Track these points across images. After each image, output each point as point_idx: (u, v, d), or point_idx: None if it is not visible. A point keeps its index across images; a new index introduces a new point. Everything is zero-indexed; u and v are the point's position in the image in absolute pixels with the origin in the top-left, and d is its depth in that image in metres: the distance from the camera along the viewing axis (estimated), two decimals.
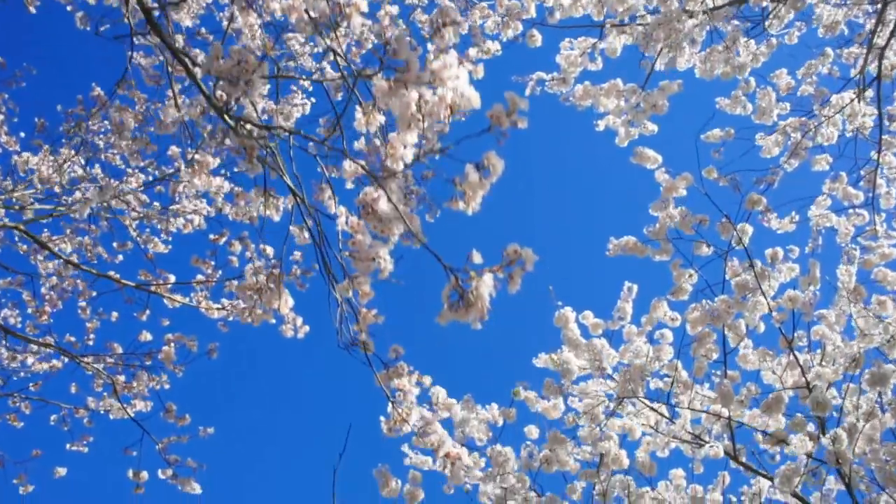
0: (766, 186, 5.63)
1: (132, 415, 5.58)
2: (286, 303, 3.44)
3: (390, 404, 3.55)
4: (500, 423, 4.23)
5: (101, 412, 6.13)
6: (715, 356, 4.66)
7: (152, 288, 5.35)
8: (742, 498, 4.22)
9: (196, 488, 5.49)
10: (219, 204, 5.58)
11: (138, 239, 5.98)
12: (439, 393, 3.74)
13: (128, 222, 6.00)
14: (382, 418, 3.63)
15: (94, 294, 5.95)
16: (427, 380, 3.73)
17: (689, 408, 4.16)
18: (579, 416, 4.18)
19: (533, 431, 4.48)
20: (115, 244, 6.14)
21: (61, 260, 5.75)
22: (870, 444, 3.57)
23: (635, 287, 5.21)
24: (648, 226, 5.17)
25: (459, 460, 3.26)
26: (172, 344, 5.57)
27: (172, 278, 5.49)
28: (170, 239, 6.14)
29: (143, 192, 5.97)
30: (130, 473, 5.34)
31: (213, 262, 5.58)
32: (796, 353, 4.11)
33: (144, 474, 5.38)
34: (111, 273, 5.64)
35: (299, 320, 4.33)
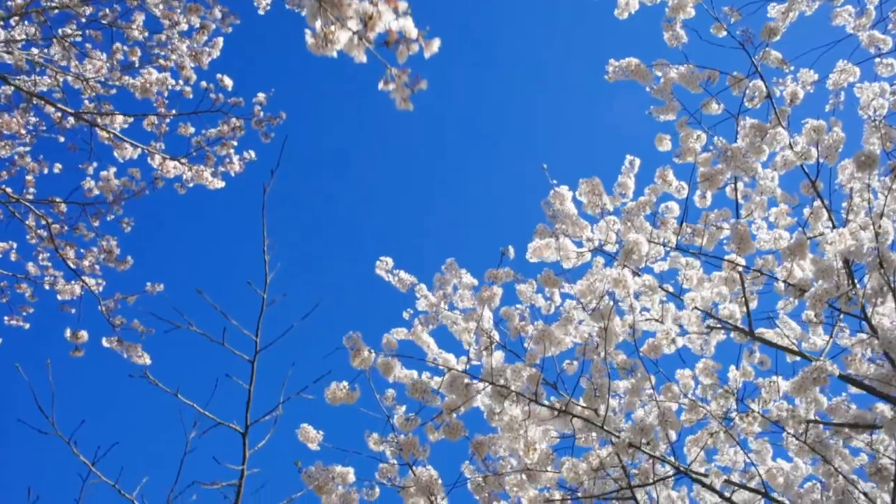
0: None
1: (71, 265, 5.02)
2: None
3: None
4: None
5: (46, 287, 5.54)
6: (726, 228, 4.22)
7: (98, 121, 4.63)
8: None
9: (144, 358, 5.05)
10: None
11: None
12: None
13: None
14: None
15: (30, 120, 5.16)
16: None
17: (701, 253, 3.72)
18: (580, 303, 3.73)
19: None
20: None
21: None
22: None
23: (637, 161, 4.71)
24: (652, 84, 4.64)
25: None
26: (116, 183, 4.92)
27: (120, 118, 4.77)
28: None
29: None
30: (68, 333, 4.86)
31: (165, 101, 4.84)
32: (822, 196, 3.66)
33: (83, 334, 4.91)
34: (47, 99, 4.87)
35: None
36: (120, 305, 5.14)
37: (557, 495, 4.07)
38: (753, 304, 4.17)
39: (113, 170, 5.04)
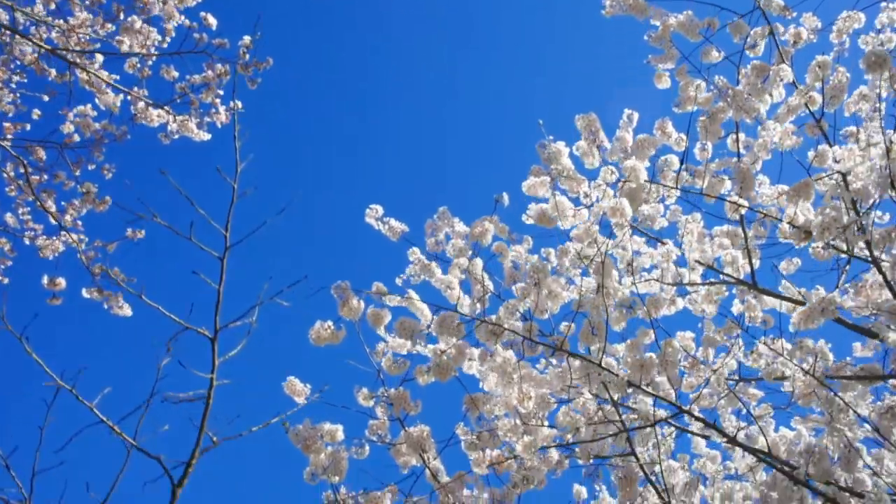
0: None
1: (53, 220, 4.82)
2: None
3: None
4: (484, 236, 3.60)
5: (27, 242, 5.33)
6: (727, 180, 4.06)
7: (77, 61, 4.42)
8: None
9: (125, 309, 4.87)
10: None
11: None
12: None
13: None
14: None
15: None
16: None
17: (702, 192, 3.57)
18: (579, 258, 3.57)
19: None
20: None
21: None
22: None
23: (636, 115, 4.54)
24: (650, 31, 4.49)
25: None
26: (96, 126, 4.71)
27: (100, 58, 4.56)
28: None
29: None
30: (45, 280, 4.68)
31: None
32: (827, 136, 3.50)
33: (61, 281, 4.73)
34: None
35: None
36: (100, 254, 4.97)
37: (555, 454, 3.92)
38: (756, 262, 4.02)
39: (90, 107, 4.82)
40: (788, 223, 3.46)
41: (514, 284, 3.55)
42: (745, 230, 3.96)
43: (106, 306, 4.92)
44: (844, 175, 3.46)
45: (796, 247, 3.51)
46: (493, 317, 3.34)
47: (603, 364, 3.25)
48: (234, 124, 4.07)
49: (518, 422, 3.39)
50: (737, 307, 4.29)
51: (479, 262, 3.69)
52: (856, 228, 2.97)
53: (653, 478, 3.71)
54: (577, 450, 3.78)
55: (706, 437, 4.43)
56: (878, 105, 3.37)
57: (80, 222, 4.93)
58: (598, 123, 3.68)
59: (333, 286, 3.66)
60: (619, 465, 3.89)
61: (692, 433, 4.40)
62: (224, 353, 4.28)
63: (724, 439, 3.75)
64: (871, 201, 3.01)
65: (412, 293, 4.18)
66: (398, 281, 4.29)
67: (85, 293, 4.92)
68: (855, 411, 3.19)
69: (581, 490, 4.61)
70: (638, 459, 3.73)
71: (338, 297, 3.67)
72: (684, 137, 4.35)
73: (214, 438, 4.09)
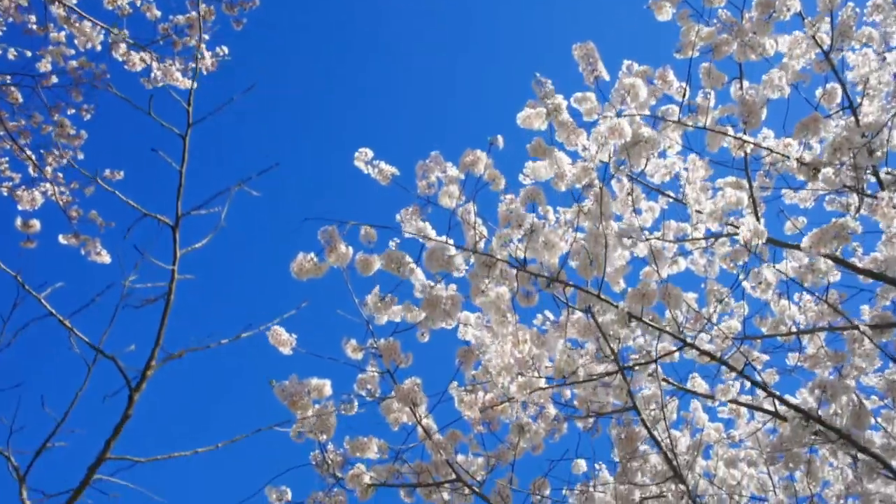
0: None
1: (32, 172, 4.64)
2: None
3: None
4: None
5: (3, 193, 5.12)
6: (730, 132, 3.89)
7: None
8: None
9: (103, 256, 4.69)
10: None
11: None
12: None
13: None
14: None
15: None
16: None
17: (706, 127, 3.41)
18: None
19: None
20: None
21: None
22: None
23: (636, 65, 4.39)
24: None
25: None
26: (74, 64, 4.53)
27: None
28: None
29: None
30: (18, 223, 4.50)
31: None
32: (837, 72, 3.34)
33: (35, 223, 4.55)
34: None
35: None
36: (77, 199, 4.78)
37: (552, 410, 3.76)
38: (762, 208, 3.86)
39: (64, 38, 4.63)
40: (797, 160, 3.30)
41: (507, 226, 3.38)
42: (751, 179, 3.80)
43: (83, 252, 4.74)
44: (854, 109, 3.32)
45: (802, 178, 3.34)
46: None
47: (602, 297, 3.08)
48: None
49: (512, 360, 3.22)
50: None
51: (472, 207, 3.53)
52: (868, 151, 2.82)
53: (654, 434, 3.55)
54: (575, 401, 3.62)
55: (710, 398, 4.28)
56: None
57: (60, 174, 4.75)
58: (596, 53, 3.52)
59: (321, 231, 3.50)
60: (620, 418, 3.74)
61: (694, 393, 4.24)
62: (188, 243, 4.03)
63: (732, 373, 3.56)
64: (883, 126, 2.86)
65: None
66: (392, 244, 4.13)
67: (62, 239, 4.74)
68: (871, 339, 3.03)
69: (581, 463, 4.45)
70: (640, 413, 3.57)
71: (324, 243, 3.51)
72: (686, 86, 4.20)
73: (181, 352, 3.91)
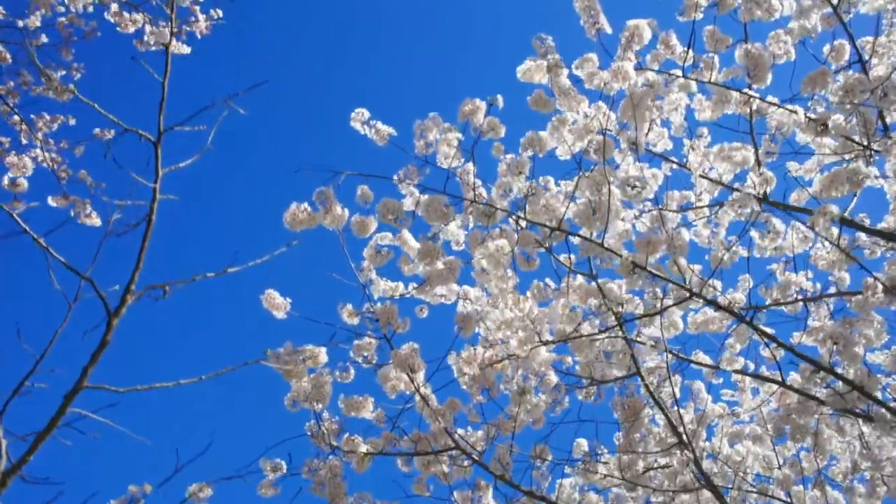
0: None
1: (24, 139, 4.50)
2: None
3: None
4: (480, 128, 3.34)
5: None
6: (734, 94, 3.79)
7: None
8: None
9: (93, 218, 4.50)
10: None
11: None
12: None
13: None
14: None
15: None
16: None
17: (710, 81, 3.31)
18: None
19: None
20: None
21: None
22: None
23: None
24: None
25: None
26: (63, 21, 4.41)
27: None
28: None
29: None
30: (6, 181, 4.38)
31: None
32: (846, 25, 3.25)
33: (23, 182, 4.41)
34: None
35: None
36: (67, 160, 4.66)
37: (553, 377, 3.66)
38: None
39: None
40: (805, 115, 3.21)
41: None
42: (756, 144, 3.71)
43: (73, 214, 4.64)
44: (864, 64, 3.24)
45: (809, 137, 3.24)
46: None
47: (605, 246, 2.98)
48: None
49: (511, 315, 3.13)
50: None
51: (471, 167, 3.44)
52: (882, 93, 2.73)
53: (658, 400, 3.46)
54: (577, 367, 3.53)
55: (716, 369, 4.19)
56: None
57: (51, 140, 4.63)
58: (598, 5, 3.43)
59: (316, 192, 3.41)
60: (623, 387, 3.64)
61: (698, 364, 4.15)
62: (171, 162, 3.92)
63: (737, 346, 3.45)
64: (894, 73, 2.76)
65: (405, 235, 3.93)
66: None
67: (51, 201, 4.63)
68: (883, 283, 2.93)
69: (582, 442, 4.35)
70: (643, 378, 3.48)
71: (320, 204, 3.42)
72: (689, 52, 4.11)
73: (165, 284, 3.79)
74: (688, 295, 3.05)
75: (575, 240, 3.07)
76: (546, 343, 3.22)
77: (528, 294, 3.26)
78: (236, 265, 4.15)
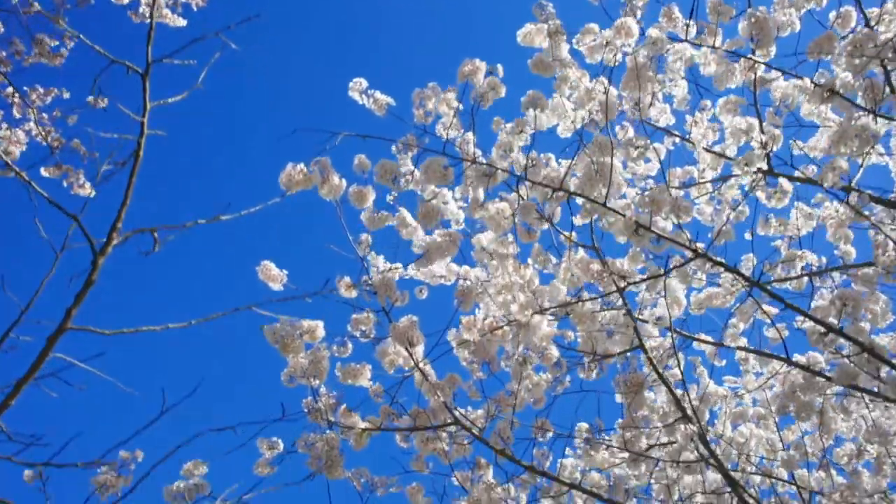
0: None
1: (17, 113, 4.42)
2: None
3: None
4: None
5: None
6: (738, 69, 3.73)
7: None
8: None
9: (87, 188, 4.43)
10: None
11: None
12: None
13: None
14: None
15: None
16: None
17: (714, 46, 3.25)
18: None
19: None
20: None
21: None
22: None
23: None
24: None
25: None
26: None
27: None
28: None
29: None
30: None
31: None
32: None
33: (14, 151, 4.32)
34: None
35: None
36: (60, 129, 4.56)
37: (555, 351, 3.60)
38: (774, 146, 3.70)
39: None
40: (811, 81, 3.15)
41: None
42: (761, 117, 3.65)
43: (66, 184, 4.56)
44: (871, 28, 3.18)
45: (815, 105, 3.18)
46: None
47: (608, 207, 2.91)
48: None
49: (511, 280, 3.06)
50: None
51: (471, 136, 3.38)
52: (892, 49, 2.68)
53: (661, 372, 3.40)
54: (579, 340, 3.47)
55: (720, 345, 4.13)
56: None
57: (45, 115, 4.54)
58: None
59: (313, 162, 3.35)
60: (626, 363, 3.58)
61: (701, 341, 4.08)
62: (160, 96, 3.85)
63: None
64: None
65: (403, 213, 3.86)
66: (389, 199, 3.96)
67: (44, 172, 4.55)
68: (890, 237, 2.87)
69: (583, 426, 4.29)
70: (645, 351, 3.41)
71: (317, 175, 3.36)
72: (693, 23, 4.05)
73: (155, 236, 3.70)
74: (692, 256, 2.98)
75: (579, 201, 3.00)
76: (547, 310, 3.16)
77: (529, 261, 3.20)
78: (228, 213, 4.08)
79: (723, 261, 3.09)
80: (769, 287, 3.47)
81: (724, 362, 4.89)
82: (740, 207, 3.11)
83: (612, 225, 2.91)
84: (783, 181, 3.26)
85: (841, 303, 2.69)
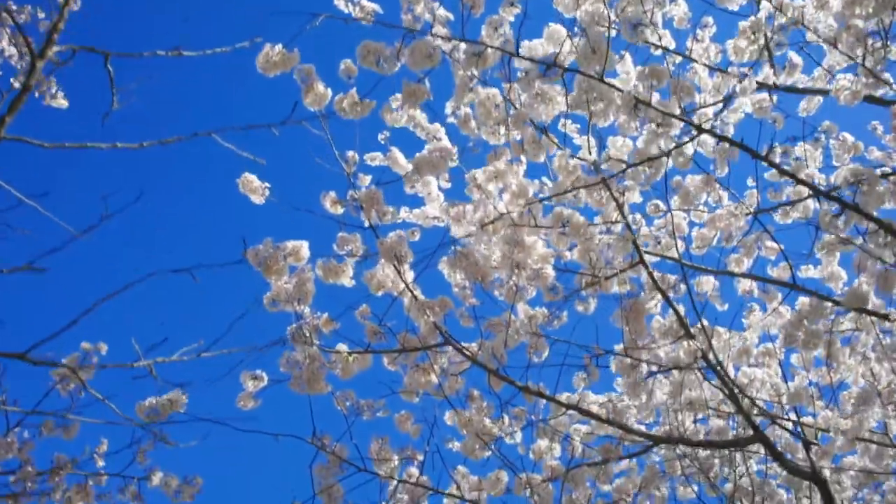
0: None
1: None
2: None
3: None
4: None
5: None
6: None
7: None
8: None
9: (59, 99, 4.22)
10: None
11: None
12: None
13: None
14: None
15: None
16: None
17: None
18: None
19: None
20: None
21: None
22: None
23: None
24: None
25: None
26: None
27: None
28: None
29: None
30: None
31: None
32: None
33: None
34: None
35: None
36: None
37: (550, 271, 3.44)
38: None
39: None
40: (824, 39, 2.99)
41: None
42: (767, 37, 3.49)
43: (37, 95, 4.31)
44: None
45: (818, 39, 3.03)
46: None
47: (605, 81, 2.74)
48: None
49: (503, 166, 2.90)
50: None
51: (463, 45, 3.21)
52: None
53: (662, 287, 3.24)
54: (576, 253, 3.31)
55: (722, 274, 3.97)
56: None
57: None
58: None
59: (296, 69, 3.18)
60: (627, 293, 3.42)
61: (704, 271, 3.93)
62: None
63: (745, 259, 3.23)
64: None
65: (395, 153, 3.69)
66: (381, 138, 3.79)
67: (14, 82, 4.28)
68: None
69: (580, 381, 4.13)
70: (646, 267, 3.26)
71: (301, 82, 3.20)
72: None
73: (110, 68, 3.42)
74: (696, 133, 2.82)
75: (578, 78, 2.82)
76: (541, 201, 3.00)
77: (522, 158, 3.04)
78: (191, 49, 3.89)
79: (727, 136, 2.93)
80: (777, 163, 3.28)
81: (725, 306, 4.75)
82: (747, 81, 2.94)
83: (609, 105, 2.75)
84: (791, 54, 3.11)
85: (856, 180, 2.52)
